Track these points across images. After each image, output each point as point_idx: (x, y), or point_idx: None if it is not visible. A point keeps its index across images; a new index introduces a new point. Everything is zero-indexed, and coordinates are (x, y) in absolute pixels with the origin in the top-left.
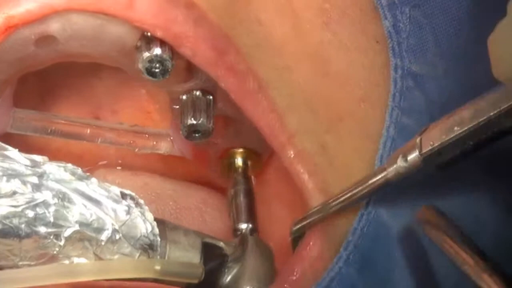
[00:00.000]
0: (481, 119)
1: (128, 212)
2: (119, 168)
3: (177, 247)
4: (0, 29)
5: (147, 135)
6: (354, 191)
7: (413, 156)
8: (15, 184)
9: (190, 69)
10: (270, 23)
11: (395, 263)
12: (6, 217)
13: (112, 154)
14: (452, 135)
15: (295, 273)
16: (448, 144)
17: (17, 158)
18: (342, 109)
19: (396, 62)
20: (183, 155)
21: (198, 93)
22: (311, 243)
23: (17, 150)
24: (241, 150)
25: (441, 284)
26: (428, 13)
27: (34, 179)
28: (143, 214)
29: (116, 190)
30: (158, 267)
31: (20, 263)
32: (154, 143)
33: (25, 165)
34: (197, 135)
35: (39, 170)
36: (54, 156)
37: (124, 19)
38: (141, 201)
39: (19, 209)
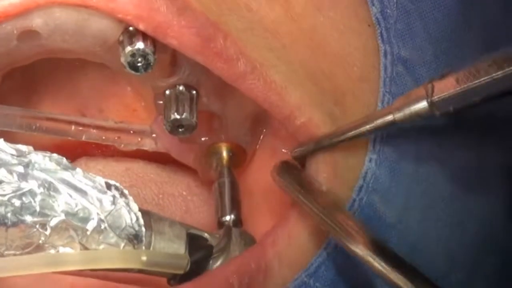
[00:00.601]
0: (498, 73)
1: (113, 202)
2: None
3: (162, 238)
4: None
5: (132, 132)
6: (361, 128)
7: (421, 100)
8: (1, 173)
9: (174, 64)
10: (260, 9)
11: None
12: None
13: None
14: (464, 86)
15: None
16: (458, 93)
17: (3, 147)
18: (344, 86)
19: (385, 48)
20: (168, 151)
21: (181, 88)
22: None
23: (2, 139)
24: (226, 144)
25: (434, 267)
26: None
27: (20, 169)
28: (128, 204)
29: (101, 181)
30: (144, 258)
31: (6, 252)
32: (139, 139)
33: (11, 154)
34: (180, 129)
35: (25, 160)
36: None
37: (107, 11)
38: (126, 192)
39: (6, 198)
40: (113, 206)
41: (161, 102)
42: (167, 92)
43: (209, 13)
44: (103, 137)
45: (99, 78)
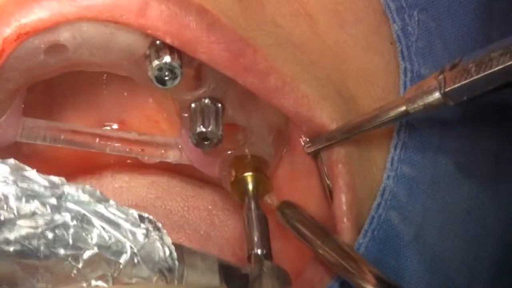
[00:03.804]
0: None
1: (146, 236)
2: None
3: (194, 272)
4: (12, 37)
5: (155, 144)
6: (374, 120)
7: (433, 91)
8: (34, 205)
9: (199, 78)
10: (286, 25)
11: (406, 265)
12: (25, 238)
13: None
14: (477, 75)
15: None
16: (471, 83)
17: (36, 179)
18: (365, 105)
19: (406, 65)
20: (192, 163)
21: (207, 101)
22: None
23: (35, 170)
24: (251, 174)
25: (453, 282)
26: (436, 16)
27: (53, 201)
28: (161, 237)
29: (134, 213)
30: None
31: (38, 285)
32: (163, 151)
33: (44, 186)
34: (206, 142)
35: (58, 191)
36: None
37: (137, 27)
38: (159, 225)
39: (39, 230)
40: (146, 240)
41: (186, 115)
42: (193, 105)
43: (238, 29)
44: (127, 150)
45: (120, 90)
